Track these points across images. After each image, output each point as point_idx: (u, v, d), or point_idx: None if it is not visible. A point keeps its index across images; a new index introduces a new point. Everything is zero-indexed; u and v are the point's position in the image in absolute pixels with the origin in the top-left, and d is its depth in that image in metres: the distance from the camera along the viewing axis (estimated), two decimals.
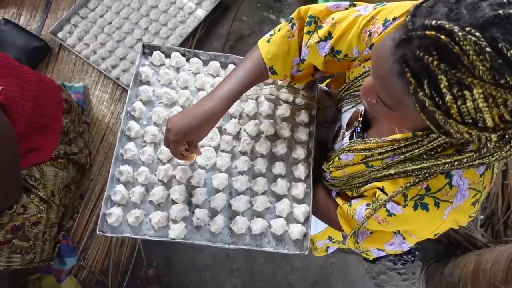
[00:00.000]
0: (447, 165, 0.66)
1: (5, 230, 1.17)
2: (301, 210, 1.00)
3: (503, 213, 1.67)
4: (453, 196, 0.70)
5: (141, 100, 1.09)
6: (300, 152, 1.06)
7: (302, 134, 1.08)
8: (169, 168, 1.02)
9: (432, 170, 0.68)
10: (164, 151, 1.02)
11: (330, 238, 1.22)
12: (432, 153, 0.69)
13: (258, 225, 0.98)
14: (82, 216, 1.61)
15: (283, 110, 1.10)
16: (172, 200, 1.00)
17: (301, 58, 0.92)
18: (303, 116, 1.10)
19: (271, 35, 0.93)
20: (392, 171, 0.75)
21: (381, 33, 0.76)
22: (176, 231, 0.95)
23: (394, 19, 0.75)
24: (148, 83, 1.11)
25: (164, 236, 0.96)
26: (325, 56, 0.87)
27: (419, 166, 0.69)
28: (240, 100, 1.05)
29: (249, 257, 1.74)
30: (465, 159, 0.63)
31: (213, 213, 1.00)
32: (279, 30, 0.92)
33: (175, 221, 0.98)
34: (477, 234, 1.65)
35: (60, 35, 1.83)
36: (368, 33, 0.78)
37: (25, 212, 1.23)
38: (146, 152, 1.02)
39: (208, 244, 0.97)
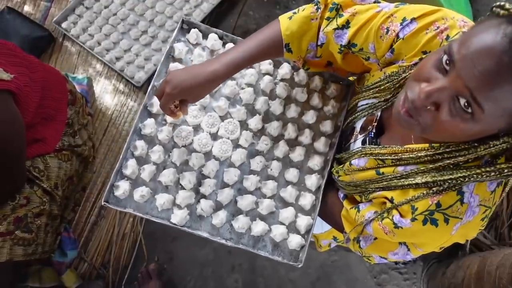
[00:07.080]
0: (472, 177, 0.65)
1: (7, 222, 1.16)
2: (304, 222, 0.97)
3: (507, 215, 1.66)
4: (463, 212, 0.69)
5: None
6: (316, 162, 1.02)
7: (323, 145, 1.04)
8: (184, 153, 1.00)
9: (455, 182, 0.67)
10: (182, 136, 1.01)
11: (334, 238, 1.21)
12: (451, 166, 0.68)
13: (259, 227, 0.96)
14: (83, 209, 1.60)
15: (309, 116, 1.06)
16: (180, 185, 0.99)
17: (319, 43, 0.89)
18: (327, 126, 1.05)
19: (294, 13, 0.90)
20: (407, 182, 0.73)
21: (398, 31, 0.75)
22: (178, 217, 0.94)
23: (412, 20, 0.74)
24: (180, 60, 1.09)
25: (166, 219, 0.96)
26: (341, 46, 0.85)
27: (440, 179, 0.68)
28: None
29: (251, 253, 1.73)
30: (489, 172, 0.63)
31: (218, 207, 0.99)
32: (303, 10, 0.89)
33: (179, 207, 0.97)
34: (480, 236, 1.65)
35: (64, 25, 1.80)
36: (385, 30, 0.77)
37: (28, 203, 1.22)
38: (164, 131, 1.00)
39: (206, 237, 0.95)
